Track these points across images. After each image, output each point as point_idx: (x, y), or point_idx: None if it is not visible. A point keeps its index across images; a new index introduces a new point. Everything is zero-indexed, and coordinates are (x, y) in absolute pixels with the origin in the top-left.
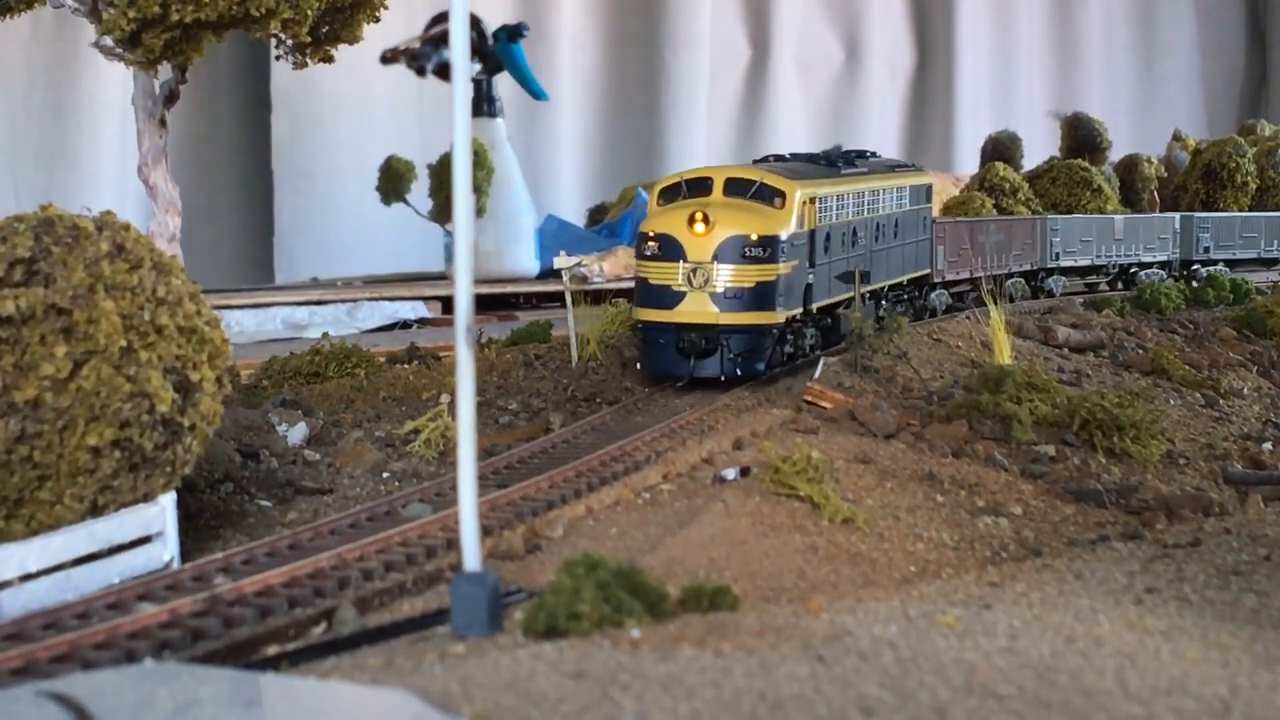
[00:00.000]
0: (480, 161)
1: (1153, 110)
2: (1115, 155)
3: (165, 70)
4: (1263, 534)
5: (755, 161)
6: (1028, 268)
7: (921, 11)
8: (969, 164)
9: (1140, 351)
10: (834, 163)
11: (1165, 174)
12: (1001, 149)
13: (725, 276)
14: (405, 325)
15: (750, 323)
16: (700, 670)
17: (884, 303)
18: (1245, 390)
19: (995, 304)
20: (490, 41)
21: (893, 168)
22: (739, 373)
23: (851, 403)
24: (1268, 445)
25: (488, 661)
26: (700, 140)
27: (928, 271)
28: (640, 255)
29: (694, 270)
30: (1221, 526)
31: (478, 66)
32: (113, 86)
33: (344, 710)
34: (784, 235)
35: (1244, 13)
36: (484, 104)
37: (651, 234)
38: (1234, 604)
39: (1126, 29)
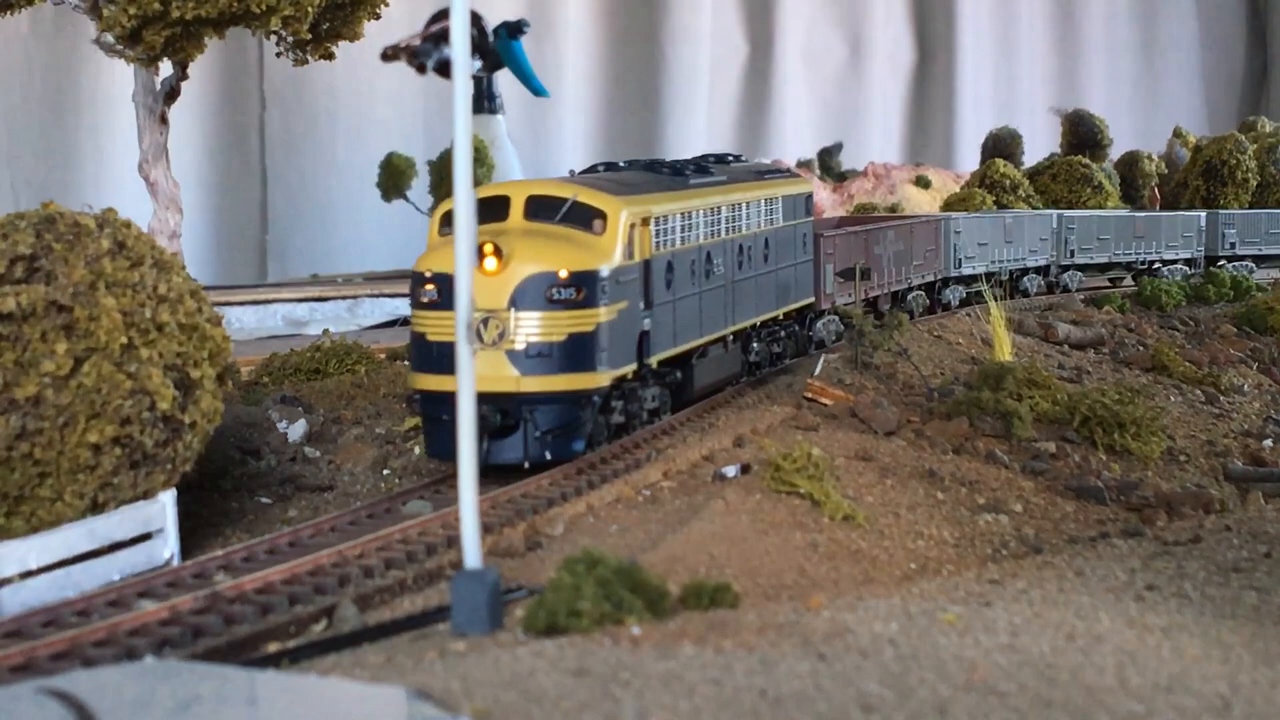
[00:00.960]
0: (481, 158)
1: (1153, 107)
2: (1116, 152)
3: (166, 67)
4: (1263, 531)
5: (578, 174)
6: (930, 278)
7: (923, 8)
8: (970, 160)
9: (1140, 348)
10: (680, 171)
11: (1166, 171)
12: (1002, 145)
13: (527, 328)
14: (406, 322)
15: (562, 389)
16: (701, 667)
17: (755, 344)
18: (1245, 387)
19: (995, 301)
20: (491, 38)
21: (761, 174)
22: (549, 455)
23: (852, 400)
24: (1268, 442)
25: (488, 659)
26: (701, 135)
27: (811, 300)
28: (414, 303)
29: (485, 321)
30: (1222, 523)
31: (478, 63)
32: (113, 83)
33: (344, 707)
34: (605, 270)
35: (1245, 9)
36: (484, 100)
37: (428, 273)
38: (1234, 601)
39: (1128, 26)
